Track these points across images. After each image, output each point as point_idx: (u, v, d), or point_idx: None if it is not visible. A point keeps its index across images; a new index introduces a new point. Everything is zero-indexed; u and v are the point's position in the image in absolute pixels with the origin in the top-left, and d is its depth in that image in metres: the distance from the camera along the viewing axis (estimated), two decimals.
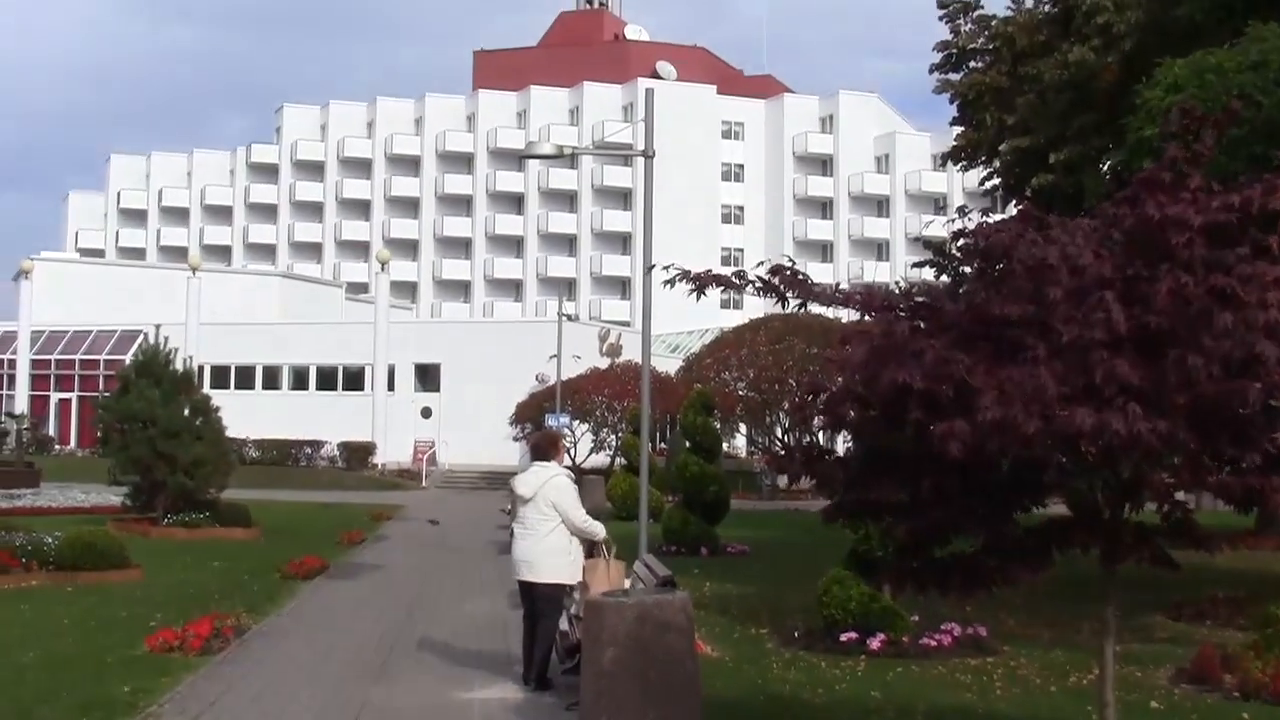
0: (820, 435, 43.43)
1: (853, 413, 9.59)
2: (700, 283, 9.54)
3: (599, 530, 16.23)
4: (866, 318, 9.69)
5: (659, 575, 15.57)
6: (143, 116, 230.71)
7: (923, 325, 9.24)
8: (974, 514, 9.39)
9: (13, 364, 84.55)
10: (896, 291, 9.80)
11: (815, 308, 9.93)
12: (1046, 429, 8.30)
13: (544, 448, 16.79)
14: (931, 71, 35.10)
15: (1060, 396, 8.34)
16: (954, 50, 34.71)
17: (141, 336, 68.91)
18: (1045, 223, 9.55)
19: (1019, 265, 9.12)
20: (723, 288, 9.58)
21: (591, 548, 16.25)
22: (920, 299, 9.57)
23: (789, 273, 9.57)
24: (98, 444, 48.71)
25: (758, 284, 9.56)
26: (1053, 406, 8.30)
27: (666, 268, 9.82)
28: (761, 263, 9.68)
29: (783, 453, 10.47)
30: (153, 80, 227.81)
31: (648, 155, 24.46)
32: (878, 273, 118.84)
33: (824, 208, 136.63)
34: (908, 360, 8.74)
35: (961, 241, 9.56)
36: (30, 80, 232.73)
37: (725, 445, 52.99)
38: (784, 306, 9.71)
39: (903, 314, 9.39)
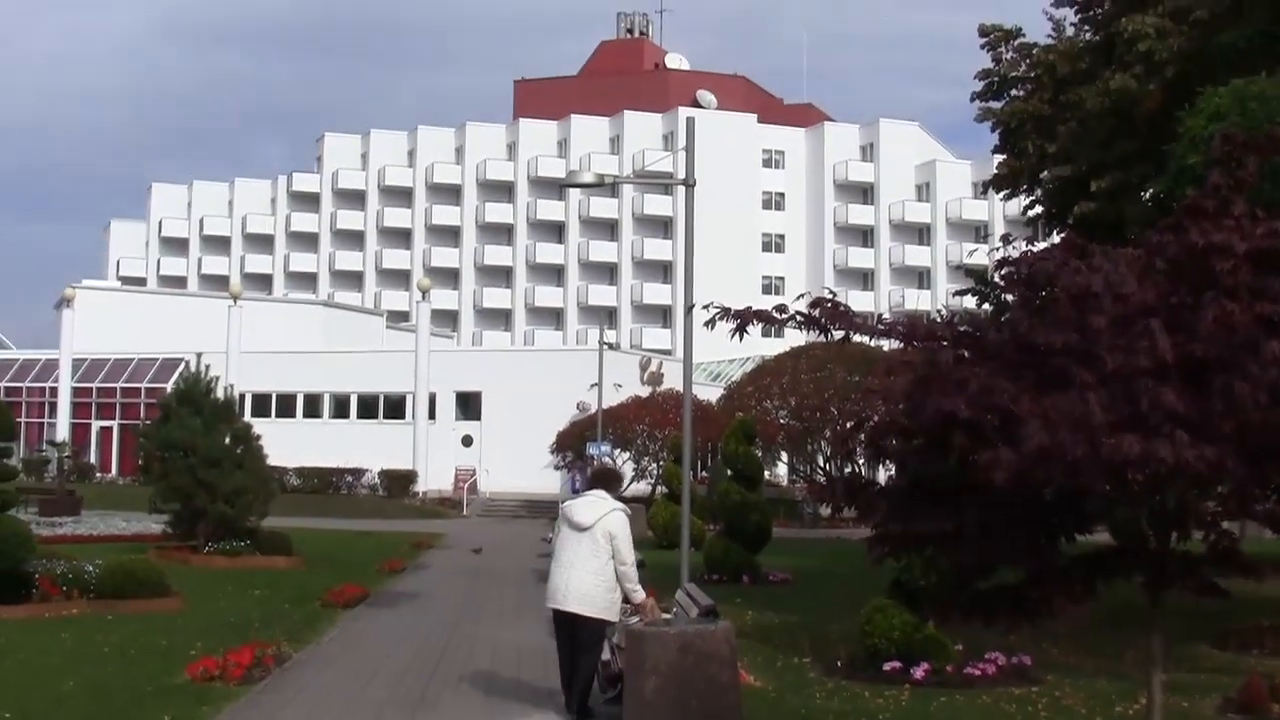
0: (863, 464, 43.29)
1: (894, 442, 9.56)
2: (742, 320, 9.51)
3: (639, 591, 15.93)
4: (910, 348, 9.67)
5: (701, 605, 15.52)
6: (184, 145, 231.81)
7: (966, 354, 9.22)
8: (1018, 545, 9.34)
9: (54, 392, 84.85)
10: (939, 320, 9.76)
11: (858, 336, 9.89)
12: (1093, 456, 8.26)
13: (607, 480, 16.64)
14: (973, 100, 35.03)
15: (1106, 424, 8.30)
16: (995, 78, 34.63)
17: (183, 365, 69.31)
18: (1089, 251, 9.51)
19: (1063, 293, 9.09)
20: (762, 323, 9.54)
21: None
22: (963, 328, 9.54)
23: (829, 305, 9.55)
24: (139, 472, 48.90)
25: (799, 318, 9.52)
26: (1099, 434, 8.26)
27: (706, 306, 9.80)
28: (801, 295, 9.66)
29: (825, 483, 10.43)
30: (193, 109, 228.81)
31: (688, 184, 24.46)
32: (919, 301, 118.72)
33: (865, 236, 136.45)
34: (952, 389, 8.72)
35: (1005, 270, 9.54)
36: (71, 109, 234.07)
37: (767, 473, 52.86)
38: (827, 338, 9.69)
39: (946, 343, 9.37)
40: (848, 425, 11.32)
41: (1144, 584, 9.61)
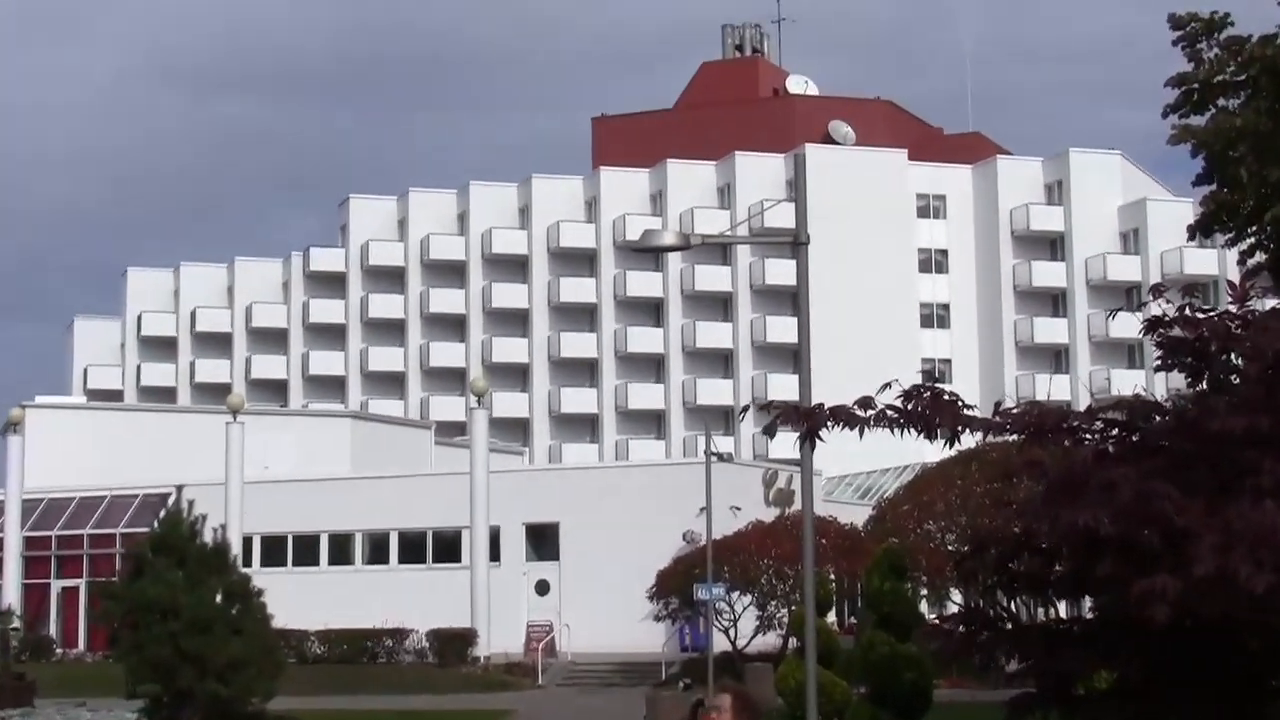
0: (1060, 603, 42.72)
1: (1021, 567, 9.33)
2: (811, 424, 9.27)
3: None
4: (1042, 445, 9.42)
5: None
6: (169, 220, 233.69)
7: (1112, 449, 8.94)
8: (1204, 703, 9.00)
9: (0, 543, 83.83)
10: (1090, 407, 9.51)
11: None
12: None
13: None
14: (1165, 115, 34.19)
15: None
16: (1195, 85, 33.87)
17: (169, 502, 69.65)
18: None
19: (1248, 363, 8.78)
20: (842, 424, 9.31)
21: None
22: (1108, 415, 9.28)
23: (928, 394, 9.27)
24: (111, 645, 49.07)
25: (890, 414, 9.27)
26: None
27: (764, 406, 9.63)
28: (888, 384, 9.41)
29: (943, 625, 10.20)
30: (182, 172, 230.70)
31: (801, 242, 24.36)
32: (1129, 382, 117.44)
33: (1055, 302, 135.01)
34: (1094, 496, 8.42)
35: (1159, 333, 9.28)
36: (22, 174, 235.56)
37: (933, 616, 52.33)
38: (931, 439, 9.45)
39: (1087, 437, 9.10)
40: (972, 551, 10.96)
41: None
